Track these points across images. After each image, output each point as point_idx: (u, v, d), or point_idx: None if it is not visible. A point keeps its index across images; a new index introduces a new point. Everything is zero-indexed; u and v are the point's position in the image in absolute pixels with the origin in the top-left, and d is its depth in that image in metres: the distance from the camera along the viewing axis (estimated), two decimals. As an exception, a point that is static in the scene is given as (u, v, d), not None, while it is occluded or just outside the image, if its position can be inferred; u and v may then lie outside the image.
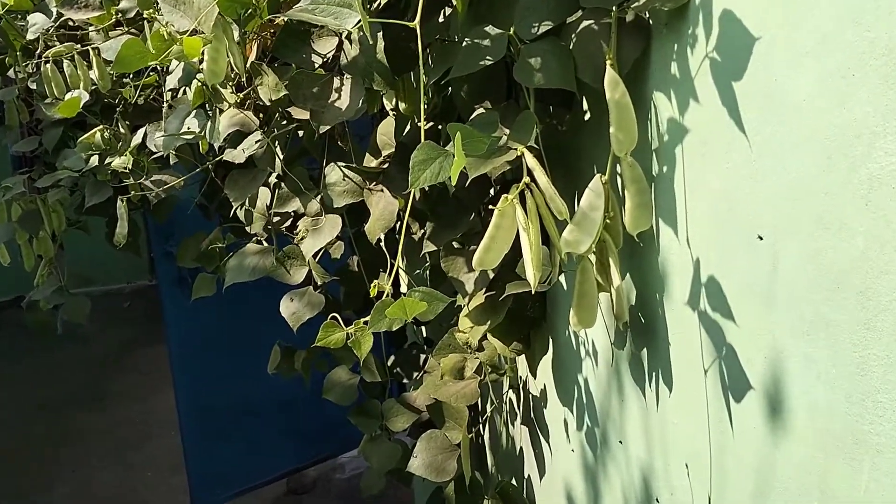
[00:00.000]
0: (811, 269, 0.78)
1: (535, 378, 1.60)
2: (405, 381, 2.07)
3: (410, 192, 1.06)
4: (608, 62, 0.95)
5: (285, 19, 1.36)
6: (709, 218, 0.93)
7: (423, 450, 1.62)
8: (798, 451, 0.84)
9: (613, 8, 0.97)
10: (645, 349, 1.13)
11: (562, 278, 1.40)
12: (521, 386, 1.70)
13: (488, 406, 1.84)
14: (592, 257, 1.12)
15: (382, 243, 1.65)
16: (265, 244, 1.73)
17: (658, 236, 1.05)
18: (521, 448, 1.73)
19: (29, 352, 5.34)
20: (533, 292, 1.07)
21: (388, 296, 1.15)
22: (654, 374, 1.11)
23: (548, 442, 1.58)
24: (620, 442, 1.25)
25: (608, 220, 1.05)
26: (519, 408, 1.72)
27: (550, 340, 1.50)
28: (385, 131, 1.54)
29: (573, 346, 1.41)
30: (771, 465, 0.88)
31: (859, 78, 0.71)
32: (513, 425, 1.78)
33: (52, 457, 4.05)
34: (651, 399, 1.13)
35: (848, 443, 0.77)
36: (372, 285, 1.28)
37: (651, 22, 0.99)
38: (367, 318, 1.14)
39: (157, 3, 1.44)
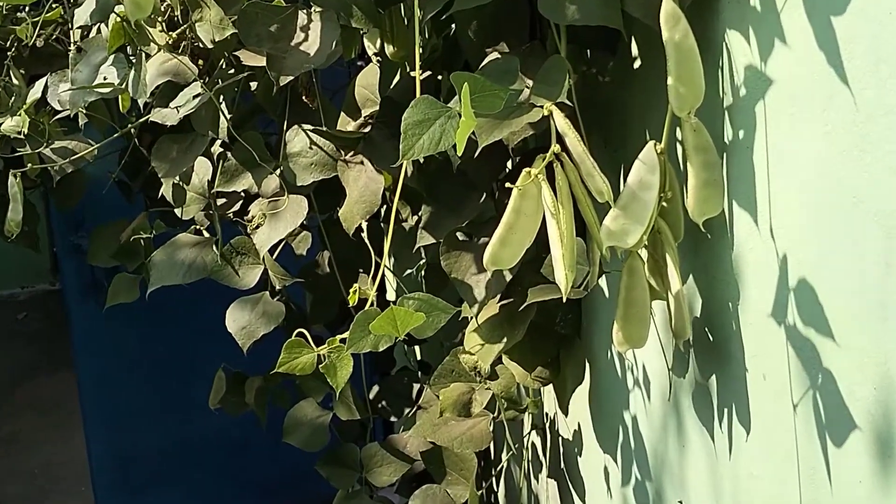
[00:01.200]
0: (937, 270, 0.78)
1: (566, 416, 1.60)
2: (392, 419, 2.08)
3: (401, 165, 1.06)
4: (666, -9, 0.95)
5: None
6: (801, 201, 0.93)
7: (416, 511, 1.62)
8: (918, 514, 0.84)
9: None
10: (714, 377, 1.13)
11: (603, 282, 1.40)
12: (547, 426, 1.70)
13: (504, 453, 1.84)
14: (644, 253, 1.12)
15: (364, 234, 1.65)
16: (205, 234, 1.73)
17: (731, 225, 1.05)
18: (547, 509, 1.74)
19: None
20: (564, 300, 1.07)
21: (372, 304, 1.15)
22: (725, 409, 1.11)
23: (583, 500, 1.59)
24: (680, 502, 1.26)
25: (664, 204, 1.05)
26: (545, 455, 1.72)
27: (587, 365, 1.50)
28: (367, 83, 1.53)
29: (617, 373, 1.41)
30: (882, 531, 0.88)
31: None
32: (536, 479, 1.78)
33: (-80, 519, 4.06)
34: (722, 443, 1.13)
35: (985, 502, 0.77)
36: (351, 291, 1.28)
37: (724, -63, 1.00)
38: (345, 335, 1.14)
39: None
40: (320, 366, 1.19)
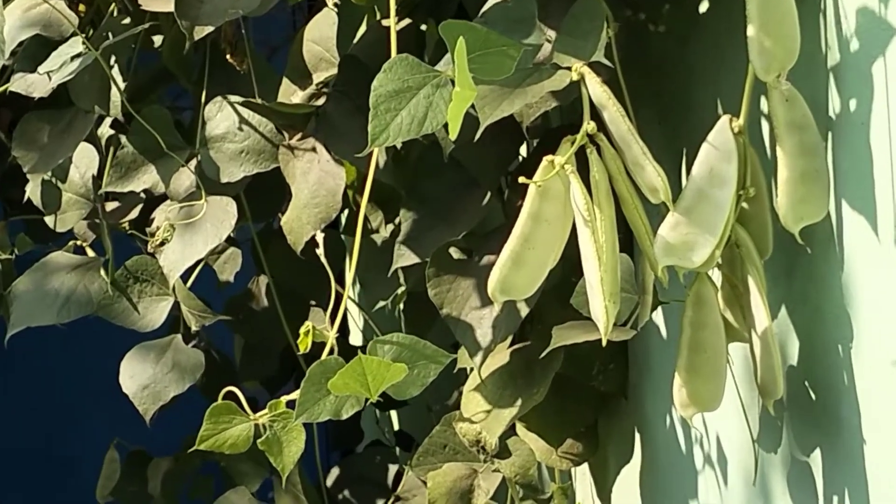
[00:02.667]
0: None
1: (608, 508, 1.60)
2: (360, 514, 2.07)
3: (372, 153, 1.06)
4: None
5: None
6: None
7: None
8: None
9: None
10: (818, 451, 1.13)
11: (658, 317, 1.40)
12: (581, 523, 1.70)
13: (519, 563, 1.84)
14: (717, 276, 1.12)
15: (321, 250, 1.64)
16: (89, 253, 1.73)
17: (840, 236, 1.05)
18: None
19: None
20: (604, 344, 1.07)
21: (332, 352, 1.15)
22: (835, 496, 1.11)
23: None
24: None
25: (745, 205, 1.05)
26: (578, 565, 1.72)
27: (638, 436, 1.50)
28: (319, 37, 1.53)
29: (680, 447, 1.40)
30: None
31: None
32: None
33: None
34: (830, 546, 1.13)
35: None
36: (301, 332, 1.27)
37: None
38: (293, 396, 1.14)
39: None
40: (259, 441, 1.18)
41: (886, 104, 0.97)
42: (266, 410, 1.19)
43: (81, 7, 1.60)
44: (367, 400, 1.09)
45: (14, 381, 2.77)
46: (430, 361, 1.10)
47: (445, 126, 0.96)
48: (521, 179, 1.04)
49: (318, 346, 1.25)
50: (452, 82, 0.94)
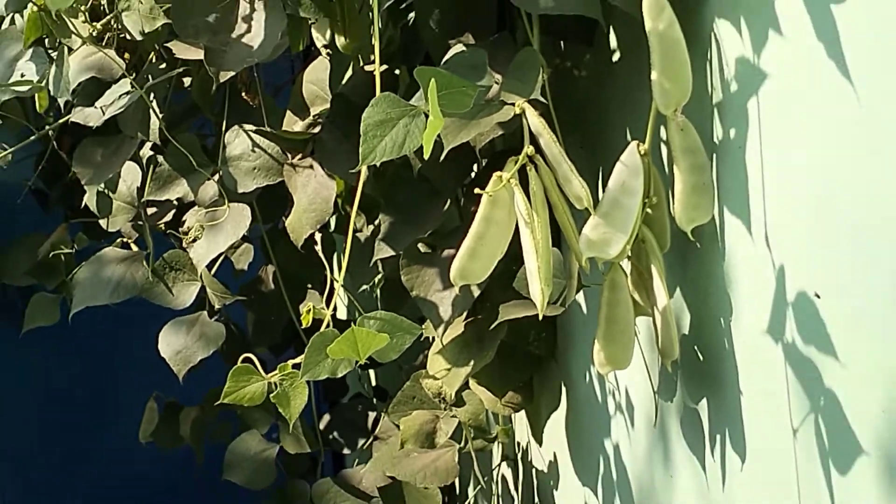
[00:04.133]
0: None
1: (540, 445, 1.60)
2: (346, 451, 2.07)
3: (359, 170, 1.06)
4: (649, -24, 0.96)
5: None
6: (799, 205, 0.94)
7: (374, 554, 1.61)
8: (931, 548, 0.85)
9: None
10: (704, 400, 1.14)
11: (580, 297, 1.40)
12: (519, 457, 1.70)
13: (470, 487, 1.84)
14: (627, 265, 1.12)
15: (319, 246, 1.65)
16: (134, 248, 1.72)
17: (723, 233, 1.05)
18: (520, 549, 1.74)
19: None
20: (540, 318, 1.07)
21: (328, 325, 1.15)
22: (718, 436, 1.12)
23: (560, 539, 1.59)
24: (669, 538, 1.26)
25: (649, 210, 1.06)
26: (517, 489, 1.72)
27: (564, 389, 1.50)
28: (315, 79, 1.53)
29: (597, 398, 1.41)
30: (892, 568, 0.88)
31: None
32: (508, 515, 1.78)
33: None
34: (714, 473, 1.14)
35: None
36: (303, 310, 1.28)
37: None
38: (298, 360, 1.14)
39: None
40: (271, 395, 1.18)
41: (759, 133, 0.97)
42: (276, 371, 1.19)
43: (127, 55, 1.60)
44: (356, 362, 1.10)
45: (75, 349, 2.73)
46: (406, 332, 1.11)
47: (417, 149, 0.97)
48: (476, 190, 1.05)
49: (314, 321, 1.26)
50: (425, 114, 0.94)
